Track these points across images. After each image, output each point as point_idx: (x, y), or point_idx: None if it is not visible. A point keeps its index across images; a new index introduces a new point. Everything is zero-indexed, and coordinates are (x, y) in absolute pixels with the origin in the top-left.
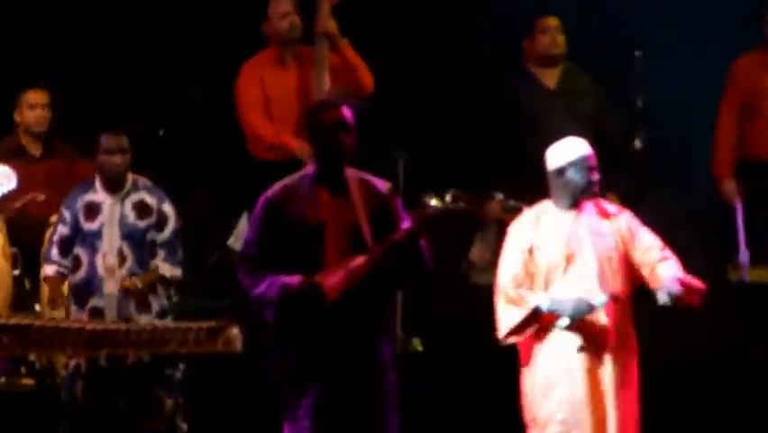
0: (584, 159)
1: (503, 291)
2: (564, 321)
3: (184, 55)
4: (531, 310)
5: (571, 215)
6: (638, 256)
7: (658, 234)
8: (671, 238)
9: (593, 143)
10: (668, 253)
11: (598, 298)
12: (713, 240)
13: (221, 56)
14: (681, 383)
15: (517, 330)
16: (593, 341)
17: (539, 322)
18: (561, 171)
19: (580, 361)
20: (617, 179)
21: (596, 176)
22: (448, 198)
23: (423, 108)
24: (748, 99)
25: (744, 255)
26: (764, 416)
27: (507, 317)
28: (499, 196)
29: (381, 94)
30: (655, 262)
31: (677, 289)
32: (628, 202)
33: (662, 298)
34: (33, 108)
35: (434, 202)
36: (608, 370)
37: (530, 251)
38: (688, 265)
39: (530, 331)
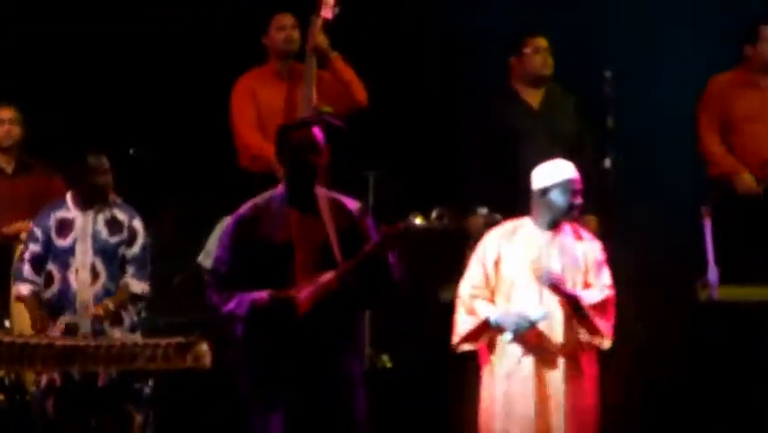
0: (569, 182)
1: (461, 300)
2: (507, 336)
3: (157, 72)
4: (481, 322)
5: (547, 234)
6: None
7: (629, 254)
8: (641, 257)
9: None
10: (606, 291)
11: (537, 312)
12: (683, 259)
13: (202, 69)
14: (648, 402)
15: (469, 338)
16: (542, 353)
17: (489, 333)
18: (545, 192)
19: (530, 373)
20: (591, 198)
21: (578, 200)
22: (433, 215)
23: (394, 126)
24: (726, 118)
25: (713, 274)
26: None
27: (460, 325)
28: (483, 211)
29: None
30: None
31: (547, 281)
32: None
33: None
34: (1, 124)
35: (418, 221)
36: (556, 383)
37: (496, 262)
38: (658, 284)
39: (483, 340)
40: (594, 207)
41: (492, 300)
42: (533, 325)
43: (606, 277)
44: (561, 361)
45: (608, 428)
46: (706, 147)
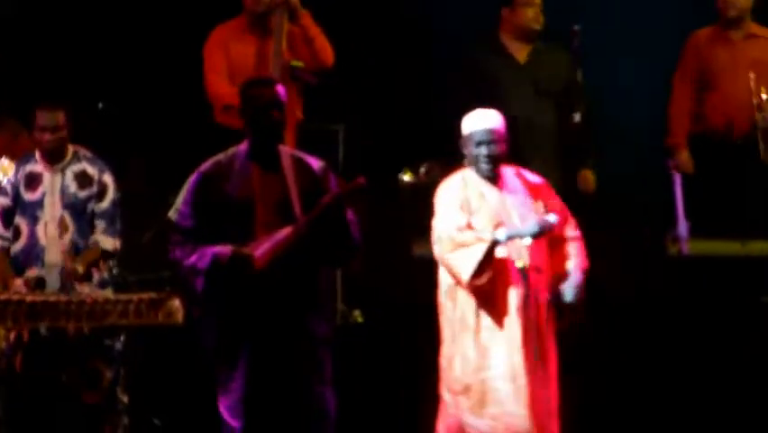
0: (488, 132)
1: (449, 238)
2: (526, 240)
3: (129, 25)
4: (491, 243)
5: (493, 184)
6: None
7: (597, 206)
8: (611, 210)
9: (556, 120)
10: (574, 232)
11: (553, 216)
12: (653, 213)
13: (172, 23)
14: (620, 356)
15: (482, 269)
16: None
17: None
18: (468, 139)
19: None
20: (586, 155)
21: (496, 150)
22: (422, 170)
23: (365, 79)
24: (702, 73)
25: (683, 228)
26: (701, 389)
27: (464, 260)
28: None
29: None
30: (567, 241)
31: (578, 294)
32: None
33: (568, 299)
34: None
35: (407, 178)
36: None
37: (462, 207)
38: (628, 238)
39: (489, 273)
40: (588, 161)
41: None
42: (550, 226)
43: (565, 212)
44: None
45: (575, 386)
46: (669, 110)
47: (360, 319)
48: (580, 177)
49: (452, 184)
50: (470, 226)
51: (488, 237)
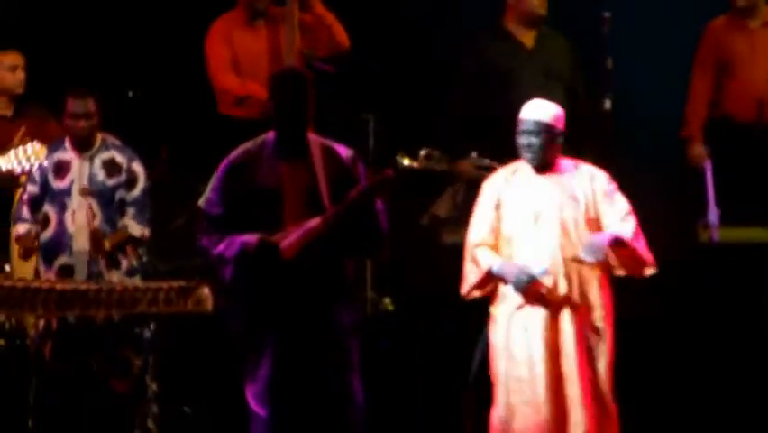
0: (525, 121)
1: (468, 250)
2: (509, 287)
3: (155, 14)
4: (484, 272)
5: (544, 175)
6: (605, 221)
7: (626, 195)
8: (640, 199)
9: (565, 104)
10: (630, 218)
11: (538, 268)
12: (683, 200)
13: (191, 15)
14: (650, 343)
15: (476, 287)
16: (545, 303)
17: (493, 282)
18: (518, 127)
19: (538, 318)
20: (588, 138)
21: (525, 140)
22: (421, 154)
23: (394, 68)
24: (721, 61)
25: (713, 215)
26: (733, 374)
27: (467, 275)
28: (473, 154)
29: (354, 54)
30: (613, 224)
31: (596, 253)
32: (598, 163)
33: (582, 255)
34: (12, 70)
35: (406, 162)
36: (566, 329)
37: (497, 207)
38: (657, 226)
39: (489, 288)
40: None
41: (496, 247)
42: (532, 280)
43: (622, 203)
44: (566, 312)
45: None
46: (687, 100)
47: (390, 307)
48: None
49: (496, 178)
50: (494, 230)
51: (485, 264)
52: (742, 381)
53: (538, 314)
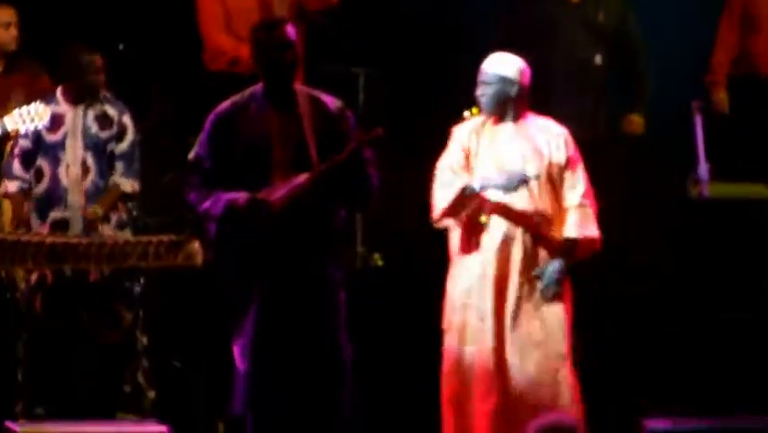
0: (487, 74)
1: (438, 176)
2: (498, 193)
3: None
4: (460, 189)
5: (507, 126)
6: (565, 192)
7: (618, 150)
8: (631, 154)
9: (612, 59)
10: (587, 203)
11: (532, 170)
12: (673, 155)
13: None
14: (642, 301)
15: (449, 212)
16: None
17: (467, 204)
18: (477, 82)
19: (491, 271)
20: (638, 97)
21: (478, 91)
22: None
23: (386, 23)
24: (748, 16)
25: (703, 170)
26: (725, 329)
27: (439, 199)
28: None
29: (345, 8)
30: (570, 208)
31: (556, 286)
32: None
33: (543, 290)
34: (6, 27)
35: (467, 114)
36: (512, 287)
37: (466, 153)
38: (649, 180)
39: (463, 213)
40: (638, 106)
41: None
42: (525, 181)
43: (582, 183)
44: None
45: (590, 328)
46: (714, 50)
47: (379, 262)
48: (627, 120)
49: (466, 126)
50: (467, 168)
51: (461, 182)
52: (734, 336)
53: (492, 268)
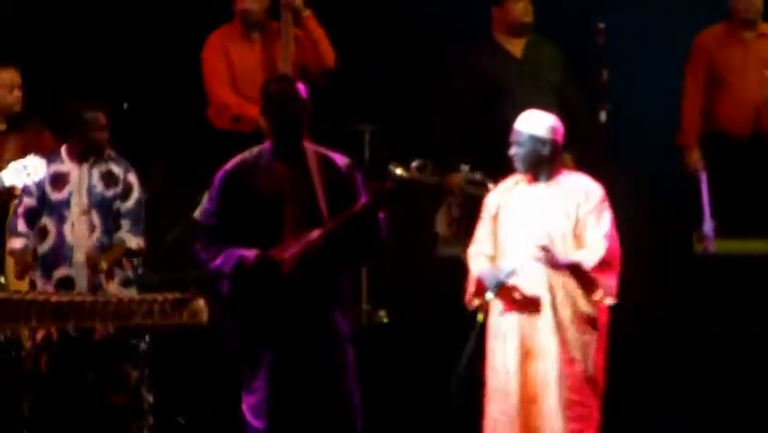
0: (519, 133)
1: (469, 258)
2: (489, 294)
3: (149, 27)
4: (475, 279)
5: (541, 186)
6: (587, 236)
7: (623, 207)
8: (636, 210)
9: (558, 113)
10: (604, 242)
11: (505, 270)
12: (679, 212)
13: (187, 27)
14: (644, 354)
15: (474, 296)
16: (527, 310)
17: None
18: (510, 142)
19: (514, 328)
20: (584, 148)
21: (517, 150)
22: (414, 165)
23: (390, 81)
24: (713, 72)
25: (708, 226)
26: (727, 384)
27: (468, 285)
28: (465, 168)
29: (349, 67)
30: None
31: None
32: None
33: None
34: (10, 89)
35: (399, 171)
36: (545, 338)
37: (495, 217)
38: (655, 237)
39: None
40: (573, 147)
41: (495, 258)
42: (502, 282)
43: (605, 225)
44: (548, 315)
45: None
46: (681, 111)
47: (385, 320)
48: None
49: (500, 187)
50: (490, 241)
51: (474, 271)
52: (738, 391)
53: (515, 324)
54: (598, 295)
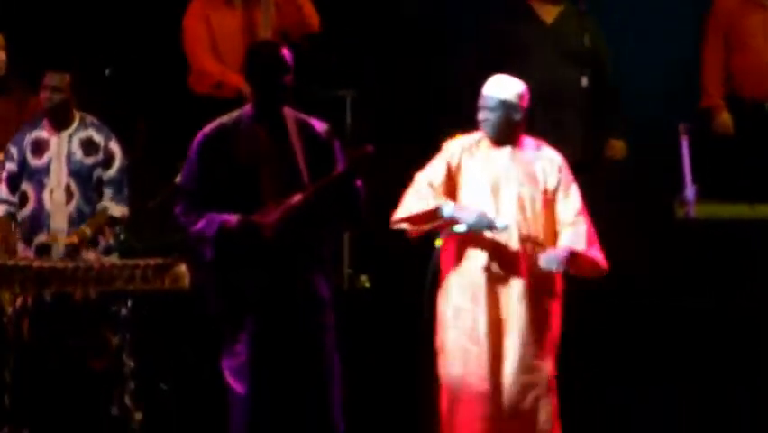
0: (490, 98)
1: (415, 186)
2: (461, 227)
3: None
4: (433, 207)
5: (505, 150)
6: (560, 214)
7: (605, 173)
8: (618, 175)
9: (577, 85)
10: (582, 219)
11: (502, 221)
12: (660, 177)
13: None
14: (626, 321)
15: (412, 220)
16: (503, 269)
17: (433, 222)
18: (479, 106)
19: (484, 292)
20: (615, 121)
21: (490, 117)
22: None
23: (372, 45)
24: (731, 37)
25: (690, 191)
26: (712, 349)
27: (408, 205)
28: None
29: (330, 31)
30: (565, 224)
31: (557, 264)
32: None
33: (543, 264)
34: None
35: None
36: (514, 307)
37: (455, 169)
38: (636, 201)
39: (425, 227)
40: (617, 130)
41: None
42: (490, 228)
43: (575, 201)
44: (517, 280)
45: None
46: (703, 74)
47: (367, 284)
48: (608, 145)
49: (459, 142)
50: (449, 185)
51: (437, 202)
52: (720, 355)
53: (485, 287)
54: (595, 271)
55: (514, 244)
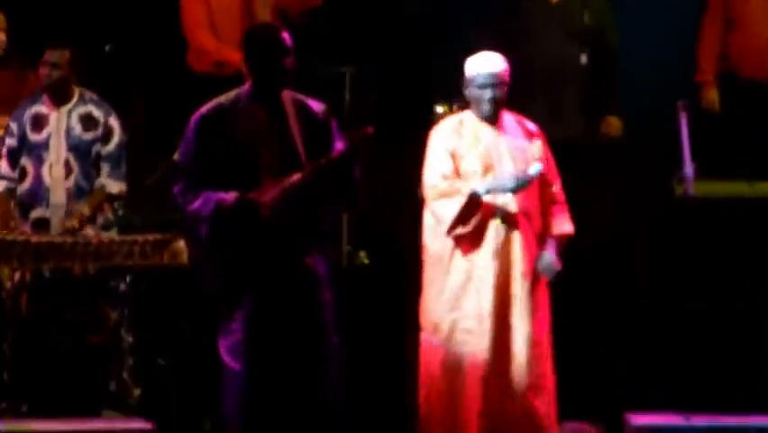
0: (491, 75)
1: (433, 187)
2: (506, 196)
3: None
4: (468, 197)
5: (490, 128)
6: (544, 185)
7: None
8: (617, 153)
9: (579, 64)
10: (561, 192)
11: (532, 168)
12: (659, 154)
13: None
14: (625, 298)
15: (461, 220)
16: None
17: (476, 211)
18: (471, 81)
19: (490, 273)
20: (612, 97)
21: (496, 93)
22: (455, 106)
23: (371, 21)
24: (731, 13)
25: (688, 169)
26: (712, 327)
27: (445, 210)
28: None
29: (330, 7)
30: (550, 204)
31: (551, 274)
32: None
33: (541, 270)
34: None
35: (440, 109)
36: (517, 286)
37: (453, 156)
38: (634, 179)
39: (474, 220)
40: (614, 107)
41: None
42: (530, 180)
43: (555, 172)
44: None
45: (576, 331)
46: (699, 49)
47: (365, 261)
48: (604, 122)
49: (445, 128)
50: (457, 172)
51: (467, 190)
52: (720, 334)
53: (489, 269)
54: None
55: (513, 219)
